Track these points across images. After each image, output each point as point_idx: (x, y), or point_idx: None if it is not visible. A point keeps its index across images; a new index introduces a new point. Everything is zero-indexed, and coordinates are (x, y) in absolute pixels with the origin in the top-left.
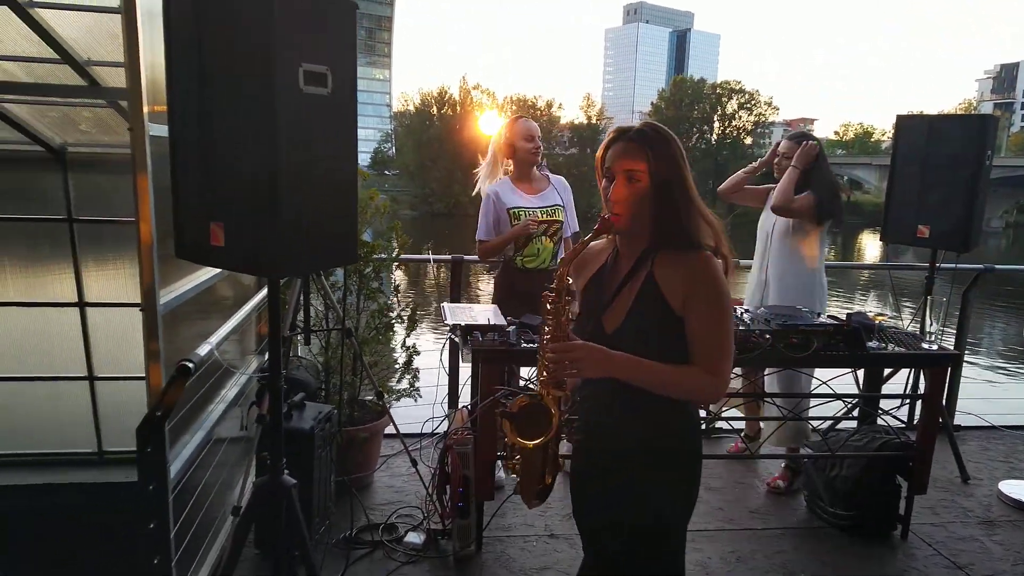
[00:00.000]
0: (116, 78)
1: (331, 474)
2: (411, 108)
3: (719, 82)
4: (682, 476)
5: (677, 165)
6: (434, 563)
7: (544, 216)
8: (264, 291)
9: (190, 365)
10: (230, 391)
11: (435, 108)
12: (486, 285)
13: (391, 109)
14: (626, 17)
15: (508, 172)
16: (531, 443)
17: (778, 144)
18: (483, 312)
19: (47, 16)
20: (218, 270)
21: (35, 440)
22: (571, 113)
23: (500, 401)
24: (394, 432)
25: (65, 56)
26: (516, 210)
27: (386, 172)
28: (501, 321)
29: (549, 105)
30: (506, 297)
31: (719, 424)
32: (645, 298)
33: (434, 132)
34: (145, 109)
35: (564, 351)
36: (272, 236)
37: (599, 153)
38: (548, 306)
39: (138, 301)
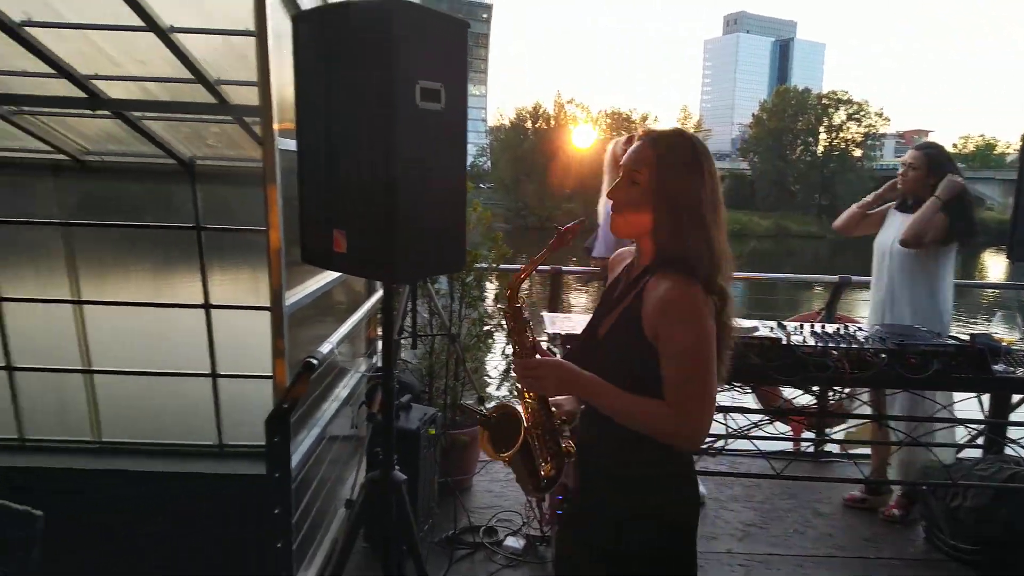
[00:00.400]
0: (241, 96)
1: (435, 475)
2: (506, 123)
3: (825, 92)
4: (656, 502)
5: (688, 180)
6: (534, 568)
7: None
8: (374, 297)
9: (315, 361)
10: (342, 391)
11: (529, 122)
12: (577, 299)
13: (486, 124)
14: (726, 27)
15: None
16: (497, 454)
17: (892, 182)
18: (582, 322)
19: (184, 39)
20: (334, 276)
21: (163, 431)
22: (667, 126)
23: (479, 410)
24: None
25: (198, 76)
26: None
27: (481, 185)
28: None
29: (644, 118)
30: None
31: (828, 447)
32: (628, 315)
33: (528, 146)
34: (275, 125)
35: (528, 367)
36: (390, 243)
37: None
38: (510, 323)
39: (256, 304)
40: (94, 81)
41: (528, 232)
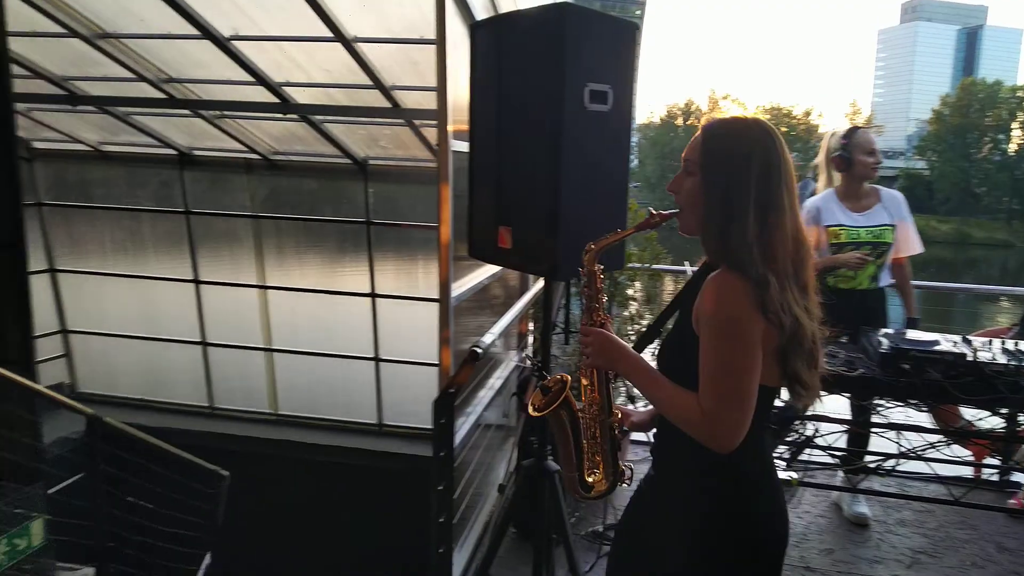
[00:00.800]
0: (411, 100)
1: None
2: (656, 120)
3: (1021, 84)
4: (681, 509)
5: (727, 167)
6: None
7: (869, 237)
8: (530, 292)
9: (479, 350)
10: (496, 381)
11: (680, 119)
12: None
13: (635, 122)
14: (903, 15)
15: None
16: (535, 412)
17: None
18: None
19: (362, 47)
20: (493, 271)
21: (329, 408)
22: (832, 121)
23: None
24: (643, 439)
25: (376, 82)
26: (836, 228)
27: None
28: None
29: (807, 113)
30: None
31: (1016, 477)
32: (687, 312)
33: (678, 144)
34: (450, 128)
35: (584, 335)
36: (553, 240)
37: None
38: (584, 288)
39: (418, 295)
40: (285, 88)
41: (674, 232)
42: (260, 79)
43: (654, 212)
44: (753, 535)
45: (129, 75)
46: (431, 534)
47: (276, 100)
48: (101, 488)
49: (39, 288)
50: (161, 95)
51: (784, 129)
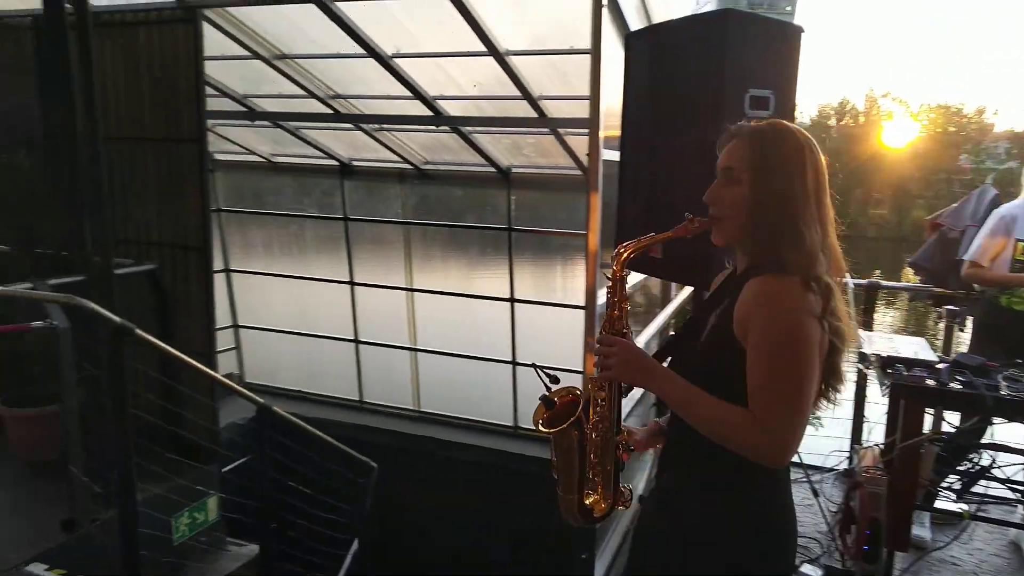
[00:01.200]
0: (557, 109)
1: None
2: (806, 121)
3: None
4: (714, 526)
5: (785, 173)
6: None
7: None
8: (675, 302)
9: None
10: (636, 391)
11: (833, 120)
12: (880, 317)
13: None
14: None
15: None
16: (542, 427)
17: None
18: (907, 344)
19: (515, 60)
20: (635, 280)
21: (467, 407)
22: (1011, 120)
23: (547, 386)
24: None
25: (524, 93)
26: None
27: None
28: (929, 355)
29: (980, 112)
30: (984, 337)
31: None
32: (720, 319)
33: (830, 145)
34: (601, 136)
35: (605, 344)
36: (706, 250)
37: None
38: (610, 294)
39: (556, 301)
40: (439, 101)
41: None
42: (417, 93)
43: (692, 217)
44: (785, 550)
45: (300, 92)
46: (573, 539)
47: (430, 113)
48: (267, 471)
49: (216, 286)
50: (327, 110)
51: (952, 129)
